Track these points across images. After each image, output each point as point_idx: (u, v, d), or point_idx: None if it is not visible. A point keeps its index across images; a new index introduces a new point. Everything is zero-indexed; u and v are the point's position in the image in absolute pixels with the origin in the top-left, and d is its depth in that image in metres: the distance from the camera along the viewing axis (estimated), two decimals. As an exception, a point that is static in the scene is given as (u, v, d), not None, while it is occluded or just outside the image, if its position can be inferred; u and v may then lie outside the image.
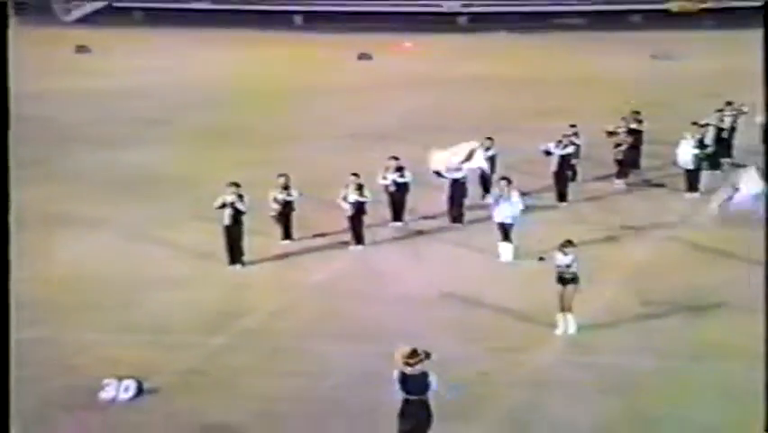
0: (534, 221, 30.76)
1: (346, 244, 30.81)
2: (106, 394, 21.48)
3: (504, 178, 30.43)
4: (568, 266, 24.70)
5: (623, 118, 35.97)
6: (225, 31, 69.96)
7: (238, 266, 29.45)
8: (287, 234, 30.96)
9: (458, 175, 32.01)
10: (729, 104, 36.99)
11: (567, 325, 25.00)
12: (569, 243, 25.12)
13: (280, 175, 30.64)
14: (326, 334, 25.13)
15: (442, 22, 66.94)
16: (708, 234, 30.81)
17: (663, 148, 35.97)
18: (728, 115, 36.75)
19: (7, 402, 12.51)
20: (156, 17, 76.33)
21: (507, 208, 29.57)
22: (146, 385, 22.04)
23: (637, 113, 36.18)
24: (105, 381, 21.48)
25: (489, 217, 30.37)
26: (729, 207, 29.14)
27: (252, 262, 29.74)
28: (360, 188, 30.28)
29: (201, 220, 30.93)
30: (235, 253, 29.43)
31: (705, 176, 34.45)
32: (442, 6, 67.42)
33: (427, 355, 18.41)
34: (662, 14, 61.08)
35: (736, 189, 29.18)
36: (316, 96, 49.37)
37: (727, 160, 36.26)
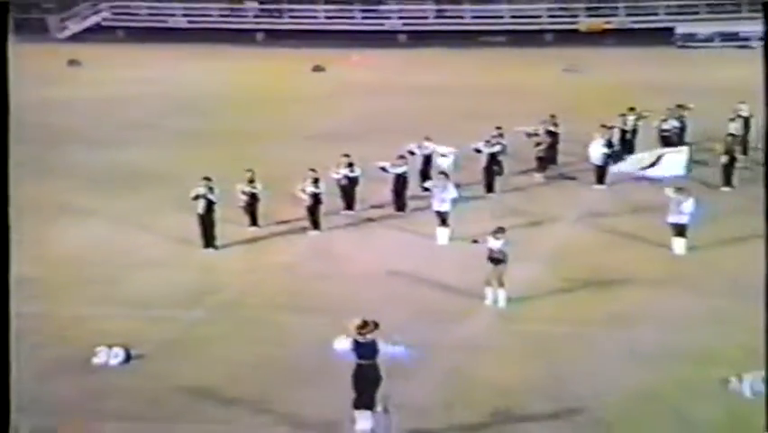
0: (467, 210, 30.70)
1: (305, 229, 30.68)
2: (99, 360, 21.44)
3: (441, 172, 30.49)
4: (499, 250, 24.74)
5: (542, 122, 36.00)
6: (198, 46, 69.71)
7: (211, 250, 29.44)
8: (253, 222, 30.88)
9: (400, 170, 31.95)
10: (632, 109, 37.03)
11: (498, 298, 25.02)
12: (500, 229, 25.10)
13: (247, 170, 30.59)
14: (289, 307, 25.12)
15: (385, 39, 66.91)
16: (614, 221, 30.96)
17: (576, 147, 35.98)
18: (630, 119, 36.80)
19: (8, 369, 12.42)
20: (137, 35, 76.10)
21: (443, 199, 29.61)
22: (132, 352, 21.97)
23: (554, 116, 36.18)
24: (98, 348, 21.38)
25: (429, 206, 30.30)
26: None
27: (224, 246, 29.66)
28: (316, 181, 30.31)
29: (180, 210, 30.69)
30: (209, 239, 29.46)
31: (611, 171, 34.42)
32: (384, 25, 67.41)
33: (376, 325, 18.54)
34: (572, 34, 61.13)
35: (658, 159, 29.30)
36: (278, 103, 49.17)
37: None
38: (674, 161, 32.89)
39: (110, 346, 21.76)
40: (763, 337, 14.92)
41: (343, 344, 18.77)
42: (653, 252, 28.27)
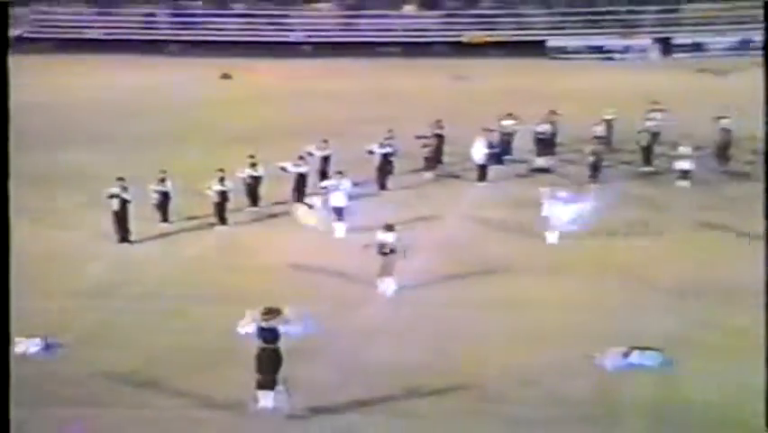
0: (362, 205, 30.66)
1: (213, 225, 30.40)
2: (18, 349, 20.92)
3: (339, 171, 30.43)
4: (390, 244, 24.96)
5: (430, 125, 36.04)
6: (115, 56, 68.56)
7: (126, 244, 29.05)
8: (164, 218, 30.52)
9: (300, 170, 31.86)
10: (510, 115, 37.20)
11: (387, 286, 25.12)
12: (390, 226, 25.31)
13: (161, 171, 30.33)
14: (199, 297, 24.92)
15: (289, 49, 66.51)
16: (495, 214, 31.14)
17: (460, 148, 36.05)
18: (509, 123, 37.01)
19: (8, 369, 11.63)
20: (58, 46, 74.59)
21: (340, 195, 29.62)
22: (56, 341, 21.77)
23: (439, 121, 36.24)
24: (17, 339, 20.90)
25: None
26: None
27: (139, 241, 29.28)
28: (223, 180, 30.13)
29: (98, 208, 30.35)
30: (124, 234, 29.11)
31: (491, 169, 34.63)
32: (289, 37, 67.00)
33: (278, 312, 18.80)
34: (459, 45, 61.20)
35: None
36: (191, 108, 48.66)
37: (508, 157, 36.40)
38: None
39: (29, 336, 21.33)
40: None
41: (248, 328, 19.04)
42: (529, 242, 28.54)
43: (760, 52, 48.32)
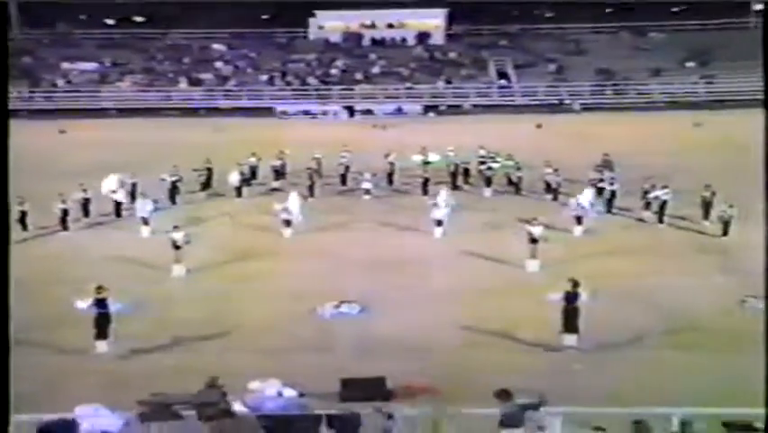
0: (161, 215, 29.83)
1: (57, 232, 29.26)
2: None
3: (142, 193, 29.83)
4: (180, 240, 24.99)
5: (204, 162, 35.04)
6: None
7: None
8: (24, 228, 28.74)
9: (119, 196, 31.35)
10: (254, 154, 36.42)
11: (179, 270, 24.92)
12: (176, 227, 25.32)
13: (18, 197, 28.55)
14: (50, 281, 23.86)
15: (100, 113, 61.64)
16: (248, 219, 30.66)
17: (222, 176, 35.14)
18: (254, 160, 36.03)
19: (7, 369, 9.84)
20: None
21: (146, 210, 29.22)
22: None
23: (209, 159, 35.22)
24: None
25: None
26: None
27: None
28: (64, 201, 29.36)
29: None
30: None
31: (244, 190, 34.21)
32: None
33: (104, 289, 19.30)
34: (217, 110, 58.76)
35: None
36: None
37: (255, 181, 35.71)
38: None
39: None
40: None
41: (85, 303, 19.23)
42: (271, 236, 28.40)
43: (407, 118, 50.86)
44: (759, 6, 55.81)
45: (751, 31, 55.18)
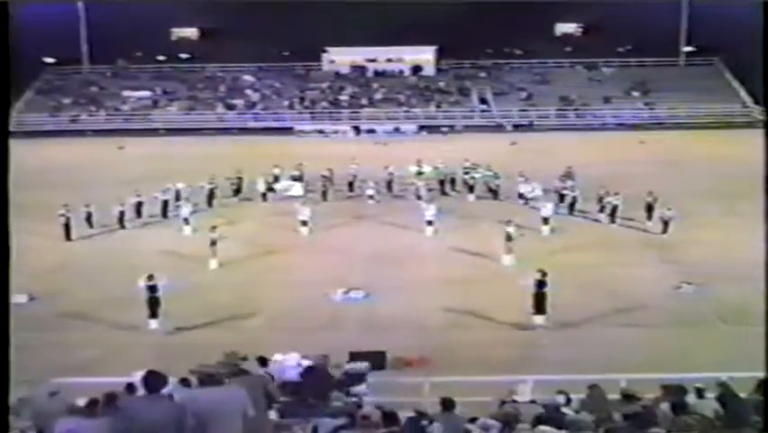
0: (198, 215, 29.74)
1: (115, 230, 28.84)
2: None
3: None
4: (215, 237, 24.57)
5: (233, 171, 34.82)
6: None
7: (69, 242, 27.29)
8: (90, 226, 28.71)
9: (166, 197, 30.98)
10: (276, 166, 35.58)
11: (213, 263, 24.63)
12: (214, 228, 25.00)
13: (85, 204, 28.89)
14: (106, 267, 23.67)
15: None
16: (274, 220, 30.28)
17: (250, 184, 35.03)
18: (278, 171, 35.18)
19: (7, 369, 8.32)
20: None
21: (185, 210, 28.99)
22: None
23: (240, 169, 34.93)
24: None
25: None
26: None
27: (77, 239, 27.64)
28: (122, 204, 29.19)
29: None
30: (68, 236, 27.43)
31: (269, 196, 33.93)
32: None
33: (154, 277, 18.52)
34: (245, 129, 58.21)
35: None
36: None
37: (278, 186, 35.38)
38: (298, 187, 33.43)
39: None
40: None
41: (142, 283, 19.25)
42: (290, 234, 28.18)
43: (404, 136, 50.57)
44: (688, 48, 58.48)
45: (680, 68, 58.71)
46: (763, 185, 9.95)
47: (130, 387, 9.36)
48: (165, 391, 6.52)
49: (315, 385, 11.53)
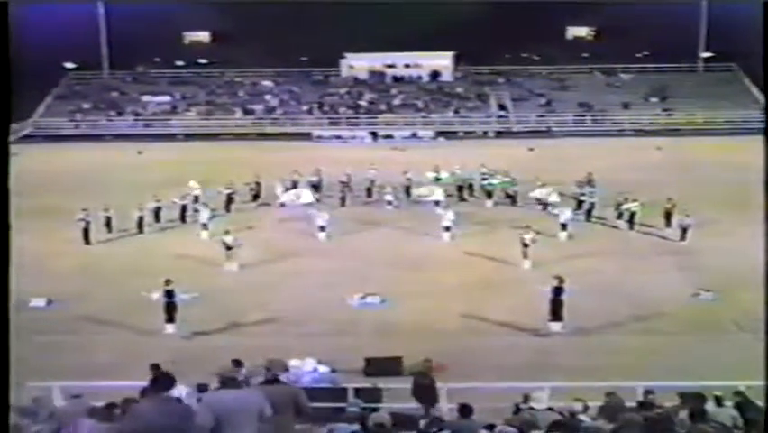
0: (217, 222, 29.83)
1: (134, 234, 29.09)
2: None
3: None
4: (229, 242, 24.73)
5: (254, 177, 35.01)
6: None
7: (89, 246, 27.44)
8: (109, 230, 28.87)
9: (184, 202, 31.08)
10: (295, 171, 35.77)
11: (234, 266, 24.77)
12: (227, 231, 25.30)
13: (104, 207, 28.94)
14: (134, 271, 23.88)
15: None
16: (290, 225, 30.32)
17: (270, 190, 35.11)
18: (296, 177, 35.48)
19: (8, 369, 8.19)
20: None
21: (203, 215, 29.10)
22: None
23: (258, 175, 35.02)
24: None
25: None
26: None
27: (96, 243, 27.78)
28: (141, 209, 29.34)
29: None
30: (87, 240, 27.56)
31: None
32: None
33: (171, 282, 18.13)
34: (267, 135, 58.36)
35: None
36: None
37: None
38: (308, 194, 33.36)
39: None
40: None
41: (156, 294, 19.17)
42: (309, 239, 28.16)
43: (421, 142, 50.42)
44: (706, 54, 58.00)
45: (699, 73, 58.23)
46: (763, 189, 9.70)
47: (144, 391, 9.39)
48: (174, 393, 6.53)
49: (331, 392, 11.50)
